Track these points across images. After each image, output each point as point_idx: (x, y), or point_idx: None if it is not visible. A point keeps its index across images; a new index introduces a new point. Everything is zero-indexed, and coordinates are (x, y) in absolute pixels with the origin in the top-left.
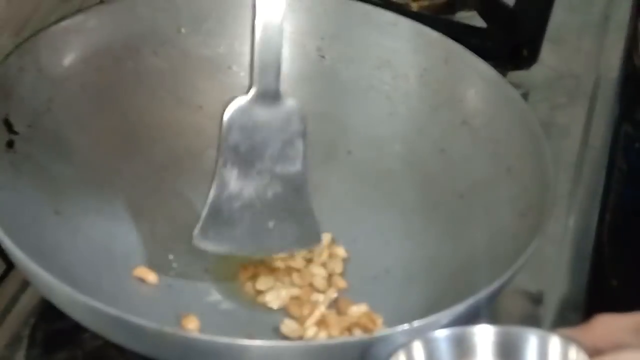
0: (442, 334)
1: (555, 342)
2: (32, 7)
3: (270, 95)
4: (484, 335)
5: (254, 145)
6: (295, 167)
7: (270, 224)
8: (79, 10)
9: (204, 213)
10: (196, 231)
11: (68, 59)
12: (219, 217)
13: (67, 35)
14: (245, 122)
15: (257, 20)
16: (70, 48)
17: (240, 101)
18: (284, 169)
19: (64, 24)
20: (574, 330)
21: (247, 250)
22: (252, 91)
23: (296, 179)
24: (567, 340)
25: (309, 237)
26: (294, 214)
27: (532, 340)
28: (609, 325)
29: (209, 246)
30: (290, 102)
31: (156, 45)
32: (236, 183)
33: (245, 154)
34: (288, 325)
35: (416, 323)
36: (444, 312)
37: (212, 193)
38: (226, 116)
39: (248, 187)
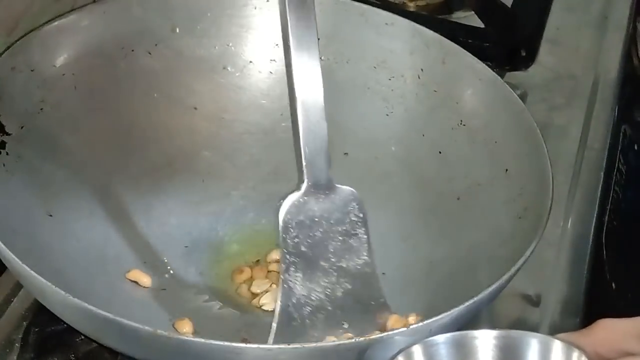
0: (442, 338)
1: (557, 347)
2: (24, 7)
3: (323, 187)
4: (484, 340)
5: (315, 242)
6: (361, 257)
7: (345, 324)
8: (71, 10)
9: (274, 325)
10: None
11: (61, 59)
12: (290, 326)
13: (59, 35)
14: (302, 220)
15: (298, 108)
16: (62, 48)
17: (293, 198)
18: (350, 263)
19: (56, 23)
20: (575, 335)
21: None
22: (304, 185)
23: (365, 269)
24: (570, 345)
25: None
26: (368, 309)
27: (533, 345)
28: (611, 329)
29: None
30: (345, 190)
31: (150, 45)
32: (302, 287)
33: (307, 253)
34: None
35: (413, 326)
36: (440, 315)
37: (278, 302)
38: (281, 216)
39: (316, 289)
